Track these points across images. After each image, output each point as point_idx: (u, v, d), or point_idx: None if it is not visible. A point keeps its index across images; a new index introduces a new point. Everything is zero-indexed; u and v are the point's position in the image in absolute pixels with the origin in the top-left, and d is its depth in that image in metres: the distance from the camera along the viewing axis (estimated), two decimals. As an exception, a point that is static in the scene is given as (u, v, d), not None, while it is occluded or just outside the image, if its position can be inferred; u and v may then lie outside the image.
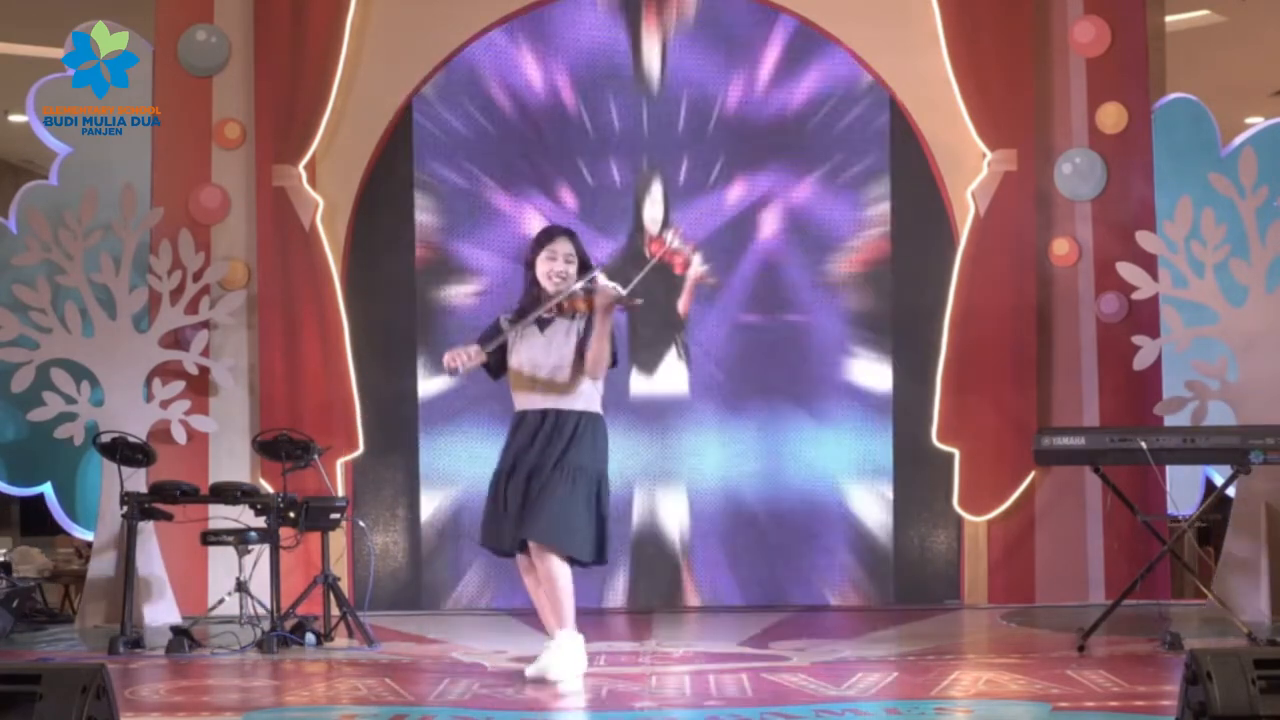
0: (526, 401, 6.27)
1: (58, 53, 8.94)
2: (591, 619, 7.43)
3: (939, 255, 9.10)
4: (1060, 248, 9.07)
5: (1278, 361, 8.28)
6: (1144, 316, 8.86)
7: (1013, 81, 9.00)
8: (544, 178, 9.18)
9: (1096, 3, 9.13)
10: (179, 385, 8.76)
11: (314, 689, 6.37)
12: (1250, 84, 12.33)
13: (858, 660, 6.77)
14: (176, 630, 7.38)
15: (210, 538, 7.71)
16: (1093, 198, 9.08)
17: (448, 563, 9.10)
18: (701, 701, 5.83)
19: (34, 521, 11.04)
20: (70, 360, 8.68)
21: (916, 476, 9.10)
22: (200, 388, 8.92)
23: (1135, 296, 8.72)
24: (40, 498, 8.96)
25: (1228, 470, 7.31)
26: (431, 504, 9.10)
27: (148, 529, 8.14)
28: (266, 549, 7.54)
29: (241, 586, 7.59)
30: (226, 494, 7.63)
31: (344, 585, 8.13)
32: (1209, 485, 8.39)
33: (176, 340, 8.84)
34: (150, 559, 8.26)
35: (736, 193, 9.17)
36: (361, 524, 8.54)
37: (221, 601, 7.95)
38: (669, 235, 9.00)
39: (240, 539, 7.60)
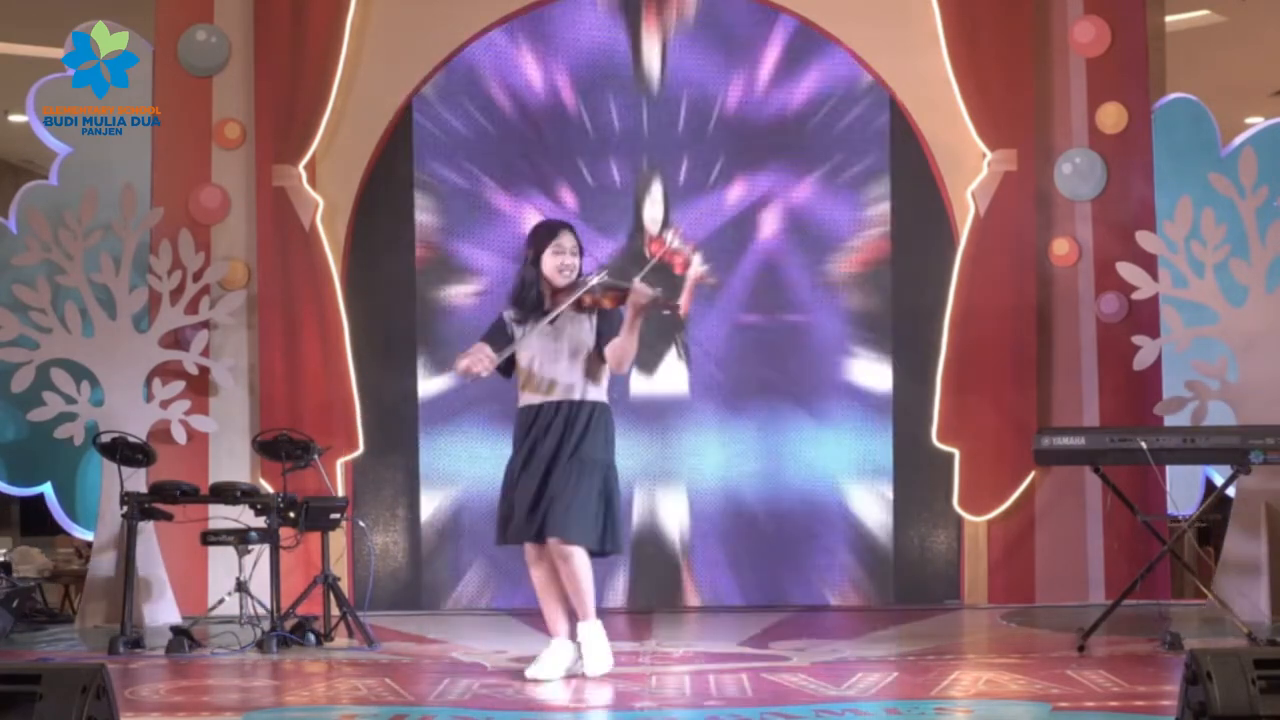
0: (539, 395, 6.27)
1: (58, 53, 8.94)
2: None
3: (939, 255, 9.10)
4: (1060, 248, 9.07)
5: (1278, 361, 8.28)
6: (1144, 316, 8.86)
7: (1013, 81, 9.00)
8: (544, 178, 9.18)
9: (1096, 3, 9.13)
10: (179, 385, 8.76)
11: (314, 689, 6.37)
12: (1250, 84, 12.34)
13: (858, 660, 6.77)
14: (176, 630, 7.38)
15: (210, 538, 7.71)
16: (1093, 198, 9.09)
17: (448, 563, 9.10)
18: (701, 701, 5.83)
19: (34, 521, 11.04)
20: (70, 360, 8.68)
21: (916, 476, 9.10)
22: (200, 388, 8.92)
23: (1135, 296, 8.72)
24: (40, 498, 8.96)
25: (1228, 470, 7.31)
26: (431, 504, 9.11)
27: (148, 529, 8.14)
28: (266, 549, 7.54)
29: (241, 586, 7.58)
30: (226, 494, 7.63)
31: (344, 585, 8.13)
32: (1209, 485, 8.39)
33: (176, 340, 8.84)
34: (150, 559, 8.26)
35: (736, 193, 9.18)
36: (361, 524, 8.54)
37: (221, 601, 7.95)
38: (669, 235, 8.99)
39: (240, 539, 7.60)
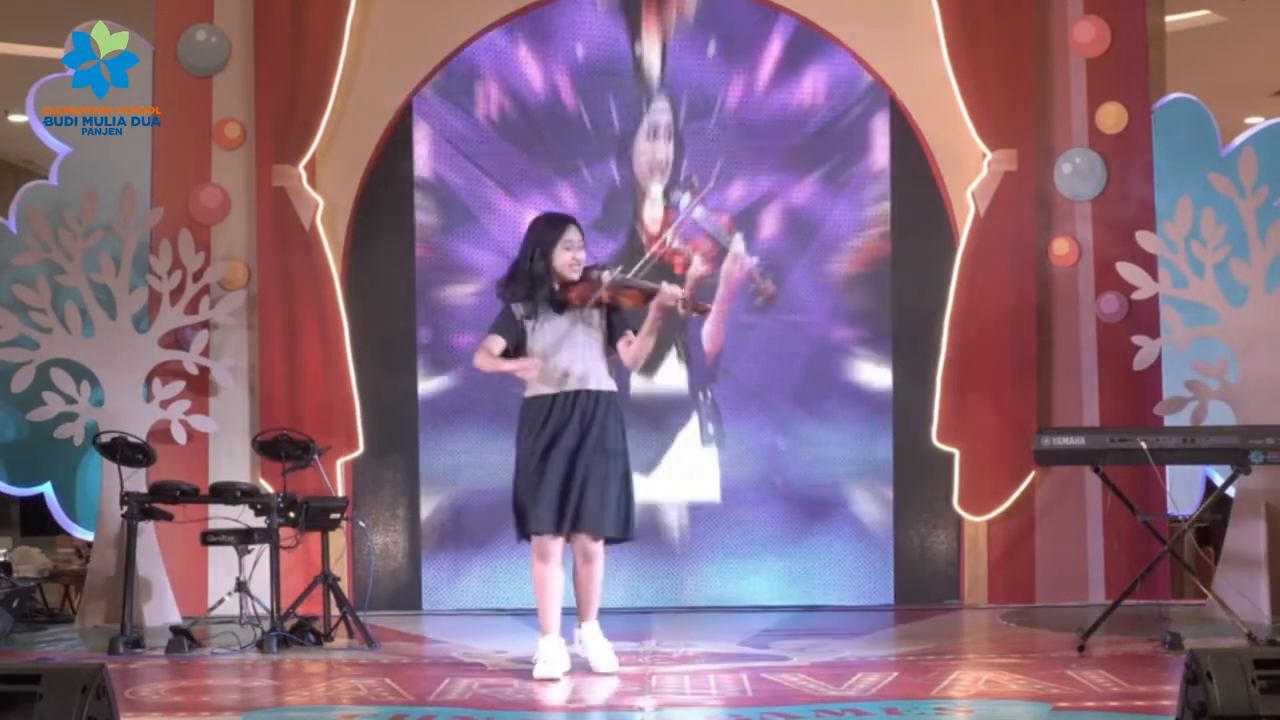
0: (551, 385, 6.29)
1: (58, 53, 8.94)
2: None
3: (939, 255, 9.10)
4: (1060, 248, 9.08)
5: (1278, 361, 8.28)
6: (1144, 316, 8.86)
7: (1013, 81, 8.99)
8: (544, 178, 9.18)
9: (1096, 3, 9.13)
10: (179, 385, 8.76)
11: (314, 689, 6.37)
12: (1250, 84, 12.34)
13: (858, 660, 6.77)
14: (176, 630, 7.38)
15: (210, 538, 7.71)
16: (1093, 198, 9.09)
17: (448, 563, 9.10)
18: (701, 701, 5.84)
19: (34, 521, 11.04)
20: (70, 360, 8.68)
21: (916, 476, 9.10)
22: (200, 388, 8.92)
23: (1135, 296, 8.72)
24: (40, 498, 8.97)
25: (1228, 470, 7.31)
26: (431, 504, 9.11)
27: (148, 529, 8.14)
28: (266, 549, 7.54)
29: (241, 586, 7.59)
30: (226, 494, 7.63)
31: (344, 585, 8.12)
32: (1209, 485, 8.39)
33: (176, 340, 8.84)
34: (150, 559, 8.25)
35: (736, 193, 9.17)
36: (361, 524, 8.54)
37: (221, 601, 7.96)
38: (668, 235, 8.99)
39: (240, 539, 7.60)
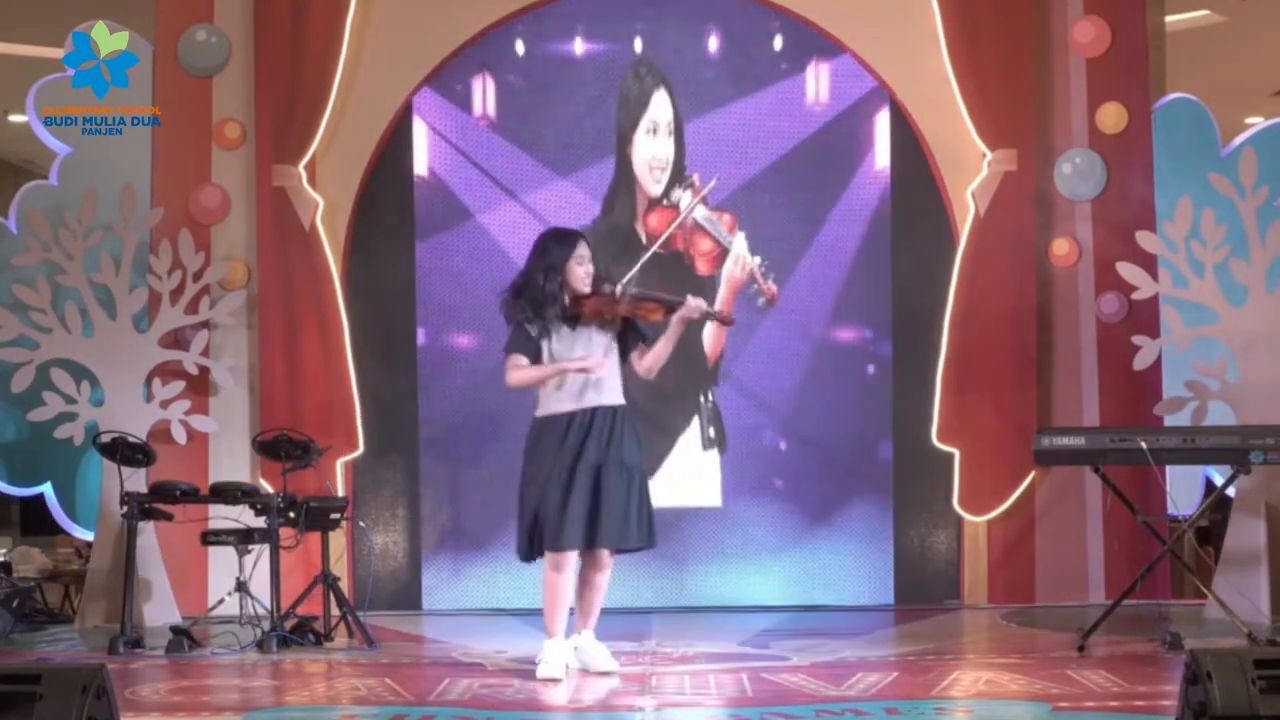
0: (571, 401, 6.26)
1: (58, 53, 8.94)
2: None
3: (939, 255, 9.10)
4: (1060, 248, 9.07)
5: (1278, 361, 8.28)
6: (1144, 316, 8.86)
7: (1013, 81, 8.99)
8: (544, 177, 9.18)
9: (1096, 3, 9.13)
10: (179, 385, 8.76)
11: (314, 689, 6.37)
12: (1250, 84, 12.33)
13: (858, 660, 6.77)
14: (176, 630, 7.38)
15: (210, 538, 7.72)
16: (1093, 198, 9.08)
17: (448, 563, 9.10)
18: (701, 701, 5.84)
19: (34, 521, 11.04)
20: (70, 360, 8.68)
21: (916, 476, 9.10)
22: (200, 388, 8.92)
23: (1135, 296, 8.72)
24: (40, 498, 8.97)
25: (1228, 470, 7.31)
26: (431, 504, 9.11)
27: (148, 529, 8.14)
28: (266, 549, 7.54)
29: (241, 586, 7.59)
30: (226, 494, 7.63)
31: (344, 585, 8.12)
32: (1209, 485, 8.39)
33: (176, 340, 8.84)
34: (150, 559, 8.25)
35: (737, 192, 9.16)
36: (361, 524, 8.54)
37: (221, 601, 7.95)
38: (668, 235, 8.98)
39: (240, 539, 7.60)
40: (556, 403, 6.29)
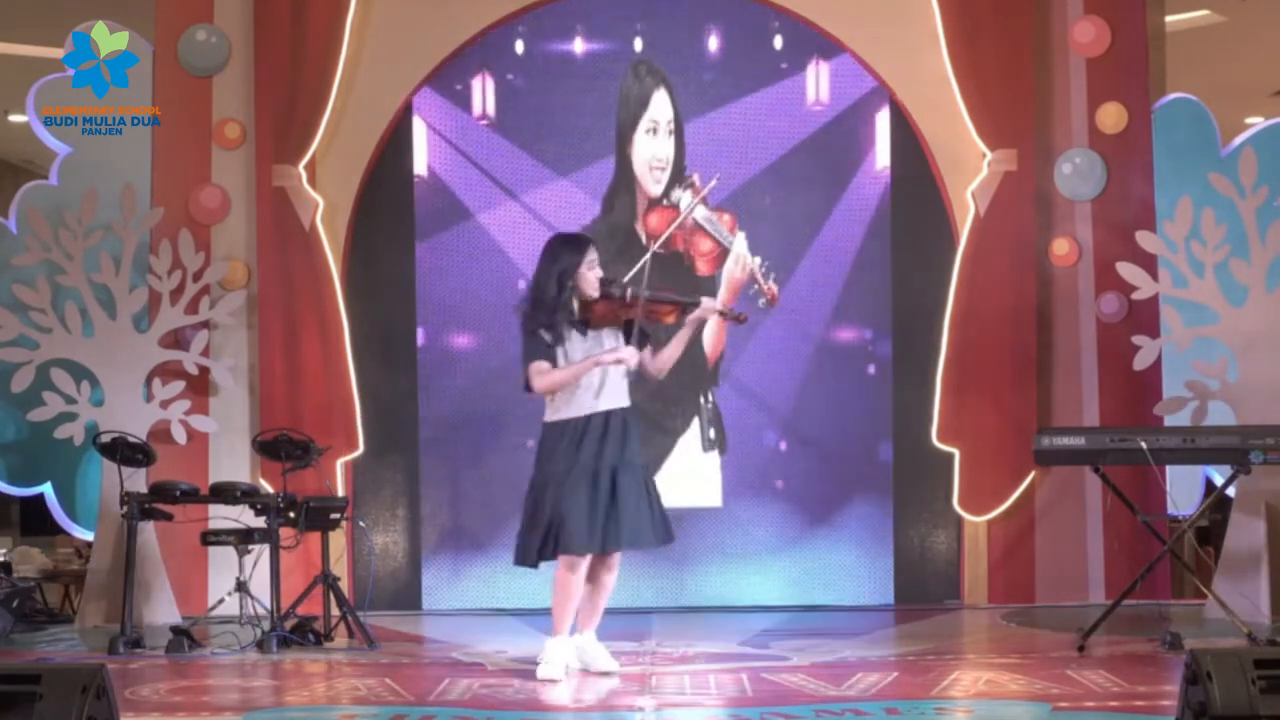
0: (588, 404, 6.27)
1: (58, 53, 8.94)
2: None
3: (939, 255, 9.09)
4: (1060, 248, 9.07)
5: (1278, 361, 8.28)
6: (1144, 316, 8.86)
7: (1013, 81, 8.99)
8: (543, 177, 9.18)
9: (1096, 3, 9.13)
10: (179, 385, 8.76)
11: (314, 689, 6.37)
12: (1250, 84, 12.33)
13: (858, 660, 6.77)
14: (176, 630, 7.38)
15: (210, 538, 7.72)
16: (1093, 198, 9.08)
17: (448, 563, 9.10)
18: (701, 701, 5.84)
19: (34, 521, 11.04)
20: (70, 360, 8.68)
21: (916, 476, 9.10)
22: (200, 388, 8.92)
23: (1135, 296, 8.72)
24: (40, 498, 8.97)
25: (1228, 470, 7.31)
26: (431, 504, 9.11)
27: (148, 529, 8.14)
28: (266, 549, 7.54)
29: (241, 586, 7.59)
30: (226, 494, 7.63)
31: (344, 585, 8.12)
32: (1209, 485, 8.39)
33: (176, 340, 8.84)
34: (150, 559, 8.26)
35: (737, 192, 9.16)
36: (361, 524, 8.54)
37: (221, 601, 7.96)
38: (669, 234, 8.99)
39: (240, 539, 7.60)
40: (572, 407, 6.29)
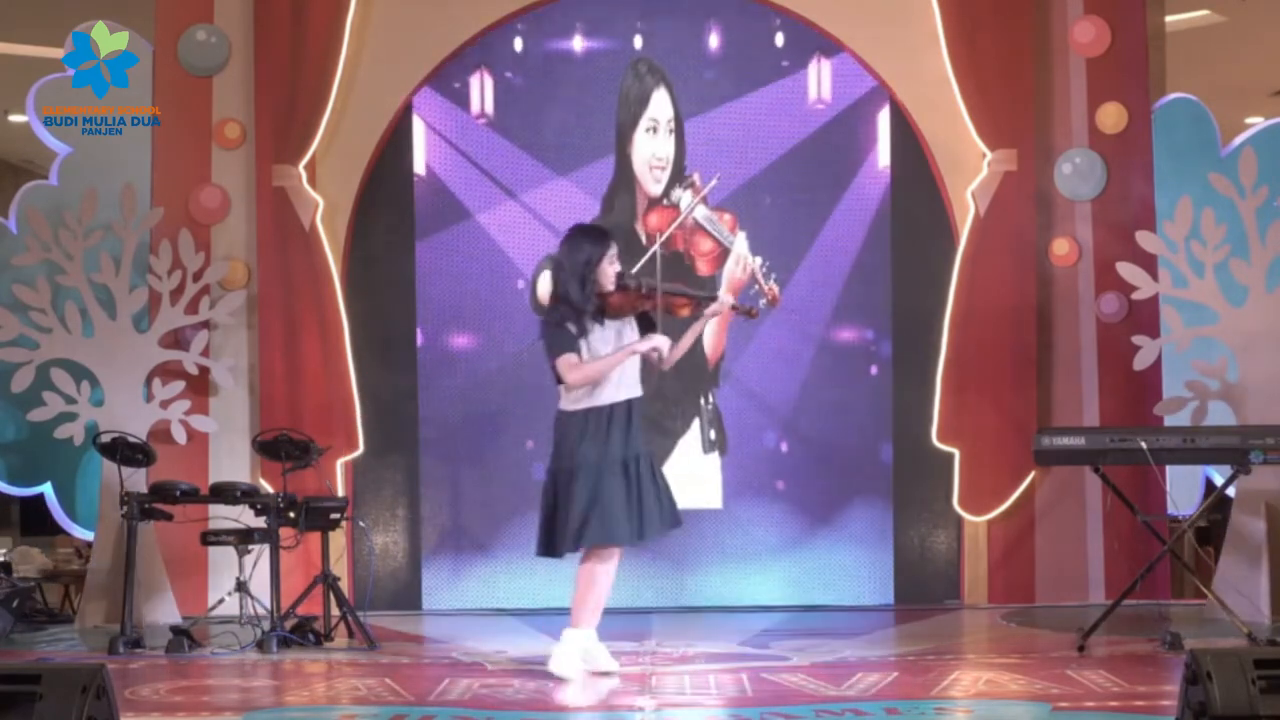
0: (610, 394, 6.31)
1: (58, 53, 8.94)
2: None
3: (939, 255, 9.09)
4: (1060, 248, 9.07)
5: (1278, 361, 8.28)
6: (1144, 316, 8.86)
7: (1013, 81, 8.99)
8: (544, 177, 9.18)
9: (1096, 3, 9.13)
10: (179, 385, 8.76)
11: (314, 689, 6.37)
12: (1250, 84, 12.33)
13: (858, 660, 6.77)
14: (176, 630, 7.38)
15: (210, 538, 7.72)
16: (1093, 198, 9.08)
17: (448, 563, 9.10)
18: (701, 701, 5.84)
19: (34, 521, 11.03)
20: (70, 360, 8.68)
21: (916, 476, 9.10)
22: (200, 388, 8.92)
23: (1135, 296, 8.72)
24: (40, 498, 8.97)
25: (1228, 470, 7.31)
26: (431, 504, 9.10)
27: (148, 529, 8.14)
28: (266, 549, 7.54)
29: (241, 586, 7.59)
30: (226, 494, 7.63)
31: (344, 585, 8.13)
32: (1209, 485, 8.39)
33: (176, 340, 8.84)
34: (150, 559, 8.26)
35: (737, 192, 9.16)
36: (361, 524, 8.54)
37: (221, 601, 7.96)
38: (669, 234, 8.99)
39: (240, 539, 7.60)
40: (595, 396, 6.31)
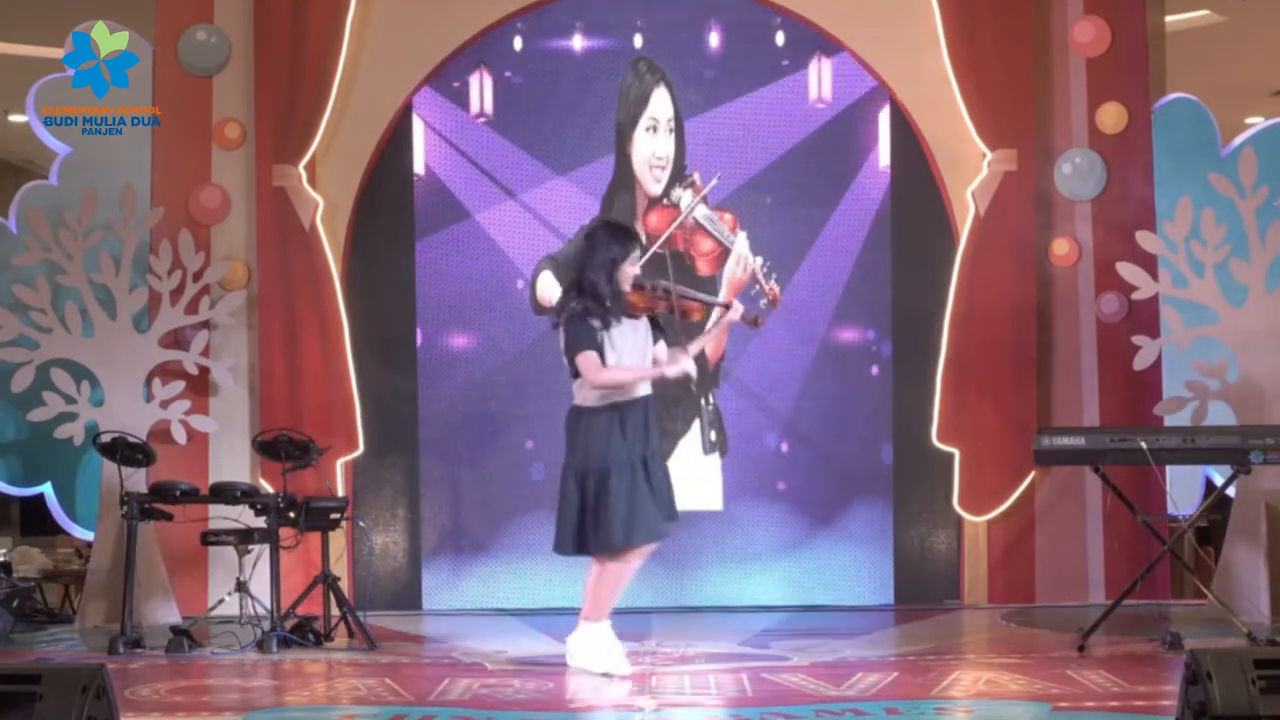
0: (626, 393, 6.36)
1: (58, 53, 8.94)
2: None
3: (939, 255, 9.09)
4: (1060, 248, 9.07)
5: (1278, 361, 8.28)
6: (1144, 316, 8.86)
7: (1013, 81, 8.99)
8: (543, 176, 9.18)
9: (1096, 3, 9.13)
10: (179, 385, 8.76)
11: (314, 689, 6.37)
12: (1250, 84, 12.33)
13: (858, 660, 6.77)
14: (176, 630, 7.38)
15: (210, 538, 7.72)
16: (1093, 198, 9.08)
17: (448, 563, 9.10)
18: (701, 701, 5.84)
19: (34, 521, 11.03)
20: (70, 360, 8.68)
21: (916, 476, 9.10)
22: (200, 388, 8.92)
23: (1135, 296, 8.72)
24: (40, 498, 8.97)
25: (1228, 470, 7.31)
26: (431, 504, 9.10)
27: (148, 529, 8.14)
28: (266, 549, 7.54)
29: (241, 586, 7.59)
30: (226, 494, 7.63)
31: (344, 585, 8.12)
32: (1209, 485, 8.39)
33: (176, 340, 8.84)
34: (150, 559, 8.26)
35: (737, 192, 9.16)
36: (361, 524, 8.54)
37: (221, 601, 7.96)
38: (669, 233, 8.99)
39: (240, 539, 7.60)
40: (616, 394, 6.35)
